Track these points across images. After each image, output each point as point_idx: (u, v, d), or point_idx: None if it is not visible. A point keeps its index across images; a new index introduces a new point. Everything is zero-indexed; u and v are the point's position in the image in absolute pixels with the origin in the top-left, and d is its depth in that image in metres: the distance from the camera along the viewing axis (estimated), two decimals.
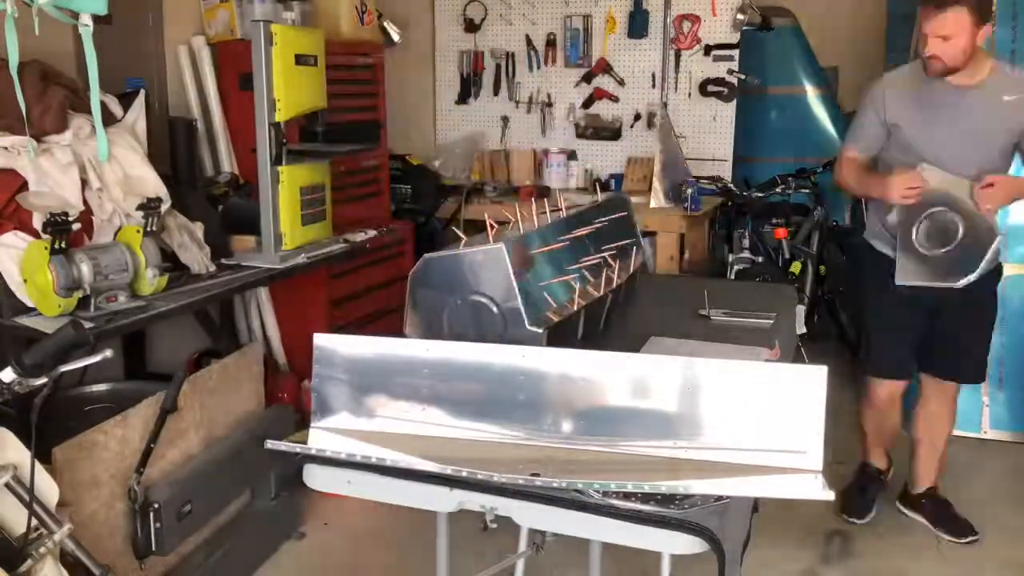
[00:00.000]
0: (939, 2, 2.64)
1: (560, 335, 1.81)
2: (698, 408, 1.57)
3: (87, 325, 2.32)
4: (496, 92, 5.35)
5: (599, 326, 2.06)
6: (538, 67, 5.25)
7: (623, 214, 2.38)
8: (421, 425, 1.66)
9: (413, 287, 1.88)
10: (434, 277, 1.85)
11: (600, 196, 2.46)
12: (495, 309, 1.77)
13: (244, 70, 3.18)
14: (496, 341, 1.77)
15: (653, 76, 5.02)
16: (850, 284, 4.69)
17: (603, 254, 2.13)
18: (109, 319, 2.49)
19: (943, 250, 2.86)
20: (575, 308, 1.87)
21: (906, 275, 2.93)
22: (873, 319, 3.23)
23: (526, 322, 1.74)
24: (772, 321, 2.42)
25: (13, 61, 2.34)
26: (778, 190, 4.81)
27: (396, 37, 4.56)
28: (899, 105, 2.92)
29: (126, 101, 3.08)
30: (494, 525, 1.58)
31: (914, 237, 2.89)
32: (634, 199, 2.60)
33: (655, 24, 4.97)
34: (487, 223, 1.88)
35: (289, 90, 3.04)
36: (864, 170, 3.04)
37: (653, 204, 4.52)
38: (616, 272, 2.12)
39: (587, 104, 5.18)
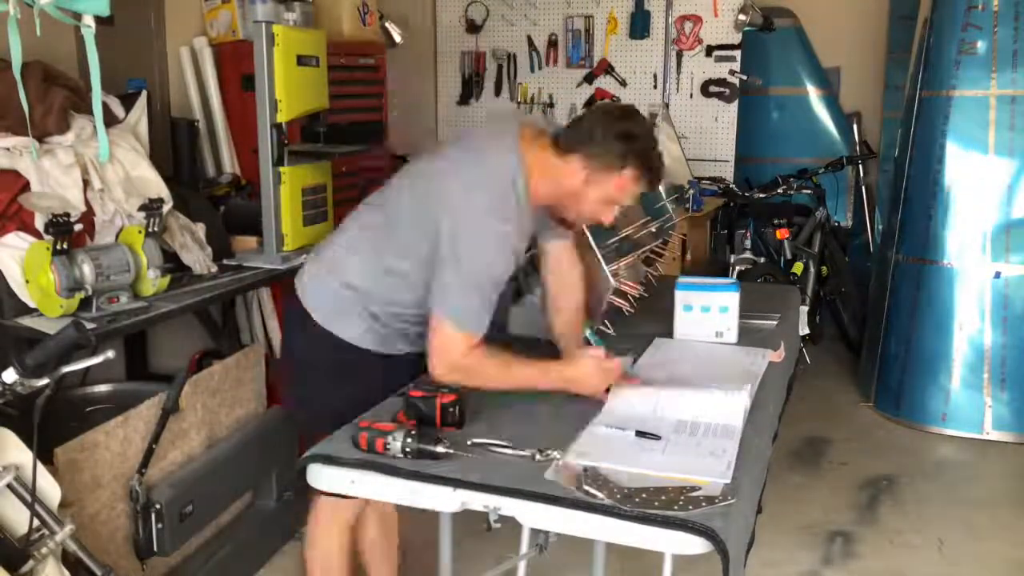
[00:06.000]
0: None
1: None
2: None
3: (89, 326, 2.31)
4: (498, 93, 5.34)
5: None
6: (539, 68, 5.25)
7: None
8: None
9: None
10: None
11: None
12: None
13: (246, 71, 3.18)
14: None
15: (655, 77, 5.02)
16: None
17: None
18: (111, 320, 2.48)
19: None
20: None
21: None
22: None
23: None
24: (776, 323, 2.41)
25: (16, 62, 2.34)
26: (780, 191, 4.82)
27: (398, 38, 4.56)
28: None
29: (128, 102, 3.07)
30: (497, 525, 1.58)
31: None
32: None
33: (657, 25, 4.97)
34: None
35: (291, 91, 3.03)
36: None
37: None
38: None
39: (589, 105, 5.17)
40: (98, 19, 2.38)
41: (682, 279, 2.38)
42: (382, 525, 2.42)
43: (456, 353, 1.87)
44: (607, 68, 5.08)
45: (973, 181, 4.07)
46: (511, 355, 1.92)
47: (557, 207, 2.02)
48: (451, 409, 1.75)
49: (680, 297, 2.32)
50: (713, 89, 4.92)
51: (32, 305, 2.47)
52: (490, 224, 1.88)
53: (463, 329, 1.87)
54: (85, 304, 2.47)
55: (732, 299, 2.28)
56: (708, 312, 2.29)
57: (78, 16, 2.35)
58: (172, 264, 2.79)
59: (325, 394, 2.11)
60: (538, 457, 1.60)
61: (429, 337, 1.90)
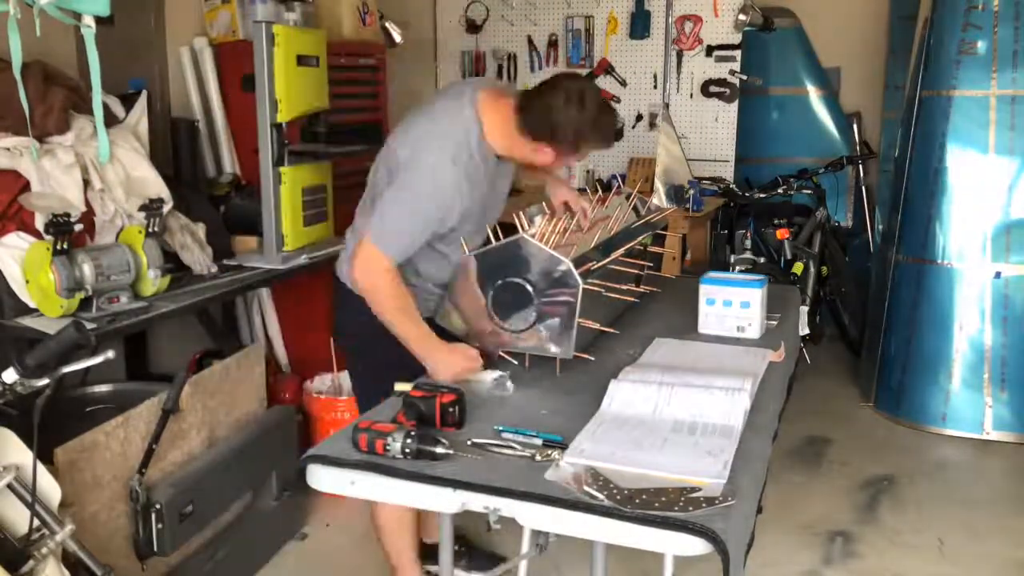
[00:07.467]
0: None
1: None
2: None
3: (89, 326, 2.32)
4: None
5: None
6: (540, 68, 5.24)
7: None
8: None
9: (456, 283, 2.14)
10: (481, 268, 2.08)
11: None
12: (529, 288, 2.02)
13: (246, 71, 3.18)
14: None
15: (655, 77, 5.02)
16: None
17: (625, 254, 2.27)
18: (111, 320, 2.48)
19: None
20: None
21: None
22: None
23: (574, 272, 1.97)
24: (776, 323, 2.41)
25: (16, 62, 2.34)
26: (780, 191, 4.81)
27: (398, 38, 4.56)
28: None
29: (128, 102, 3.07)
30: (498, 526, 1.58)
31: None
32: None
33: (657, 25, 4.97)
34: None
35: (291, 91, 3.03)
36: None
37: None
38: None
39: None
40: (98, 19, 2.38)
41: (709, 274, 2.42)
42: None
43: (375, 268, 2.05)
44: (607, 68, 5.07)
45: (973, 181, 4.07)
46: (411, 304, 2.11)
47: (516, 159, 2.24)
48: (451, 409, 1.75)
49: (704, 291, 2.35)
50: (713, 89, 4.92)
51: (32, 305, 2.47)
52: (437, 160, 2.06)
53: (379, 245, 2.05)
54: (85, 304, 2.47)
55: (754, 295, 2.29)
56: (730, 307, 2.32)
57: (78, 16, 2.36)
58: (172, 264, 2.79)
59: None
60: (538, 457, 1.60)
61: (355, 245, 2.13)
